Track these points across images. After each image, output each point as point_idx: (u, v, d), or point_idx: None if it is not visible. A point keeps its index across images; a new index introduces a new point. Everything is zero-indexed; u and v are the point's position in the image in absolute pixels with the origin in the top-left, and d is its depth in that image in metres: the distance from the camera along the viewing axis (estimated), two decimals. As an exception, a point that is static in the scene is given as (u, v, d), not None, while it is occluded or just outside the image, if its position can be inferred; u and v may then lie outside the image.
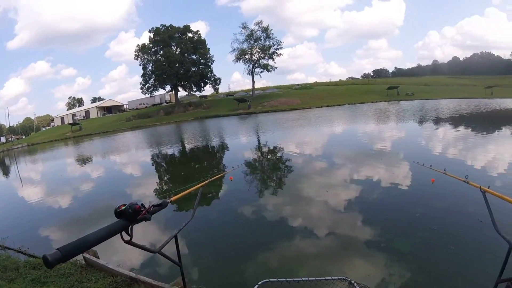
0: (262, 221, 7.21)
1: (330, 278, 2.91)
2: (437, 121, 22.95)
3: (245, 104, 53.56)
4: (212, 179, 3.33)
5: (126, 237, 1.46)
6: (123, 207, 1.42)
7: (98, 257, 4.86)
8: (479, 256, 4.95)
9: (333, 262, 5.30)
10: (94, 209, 8.89)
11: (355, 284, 2.88)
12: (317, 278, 2.89)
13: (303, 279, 2.88)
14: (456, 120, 22.82)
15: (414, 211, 6.89)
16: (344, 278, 2.94)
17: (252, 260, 5.47)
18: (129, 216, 1.42)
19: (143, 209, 1.47)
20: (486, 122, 21.88)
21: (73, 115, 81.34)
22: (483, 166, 9.85)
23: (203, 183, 3.02)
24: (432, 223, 6.19)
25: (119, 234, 1.43)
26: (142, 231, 6.19)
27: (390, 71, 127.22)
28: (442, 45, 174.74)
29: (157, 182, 12.22)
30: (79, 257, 4.83)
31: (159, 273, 5.04)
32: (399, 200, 7.78)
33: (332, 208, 7.54)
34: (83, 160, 20.94)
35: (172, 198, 2.18)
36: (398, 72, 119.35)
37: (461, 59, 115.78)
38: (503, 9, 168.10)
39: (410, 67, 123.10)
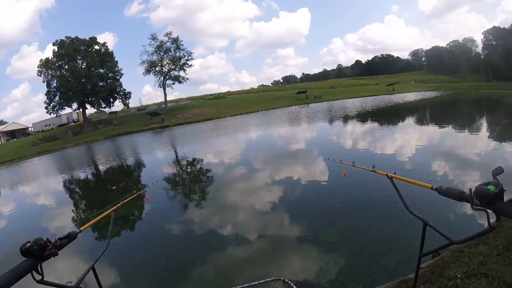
0: (189, 235, 7.27)
1: (264, 280, 3.00)
2: (346, 119, 25.46)
3: (158, 118, 53.02)
4: (125, 201, 3.23)
5: (38, 277, 1.37)
6: (28, 245, 1.34)
7: None
8: (400, 233, 5.57)
9: (268, 264, 5.49)
10: (5, 251, 7.98)
11: (289, 282, 2.98)
12: (251, 284, 2.99)
13: (238, 287, 2.91)
14: (364, 116, 25.50)
15: (334, 203, 7.59)
16: (278, 278, 3.05)
17: (180, 279, 5.41)
18: (36, 253, 1.34)
19: (49, 244, 1.40)
20: (391, 115, 24.92)
21: (-25, 143, 72.74)
22: (391, 154, 11.58)
23: (115, 207, 2.81)
24: (353, 210, 7.00)
25: (29, 275, 1.34)
26: (58, 268, 5.95)
27: (298, 77, 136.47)
28: (345, 50, 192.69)
29: (72, 211, 11.91)
30: None
31: None
32: (317, 195, 8.54)
33: (257, 212, 7.98)
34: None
35: (82, 228, 1.98)
36: (306, 78, 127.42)
37: (363, 62, 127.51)
38: (401, 16, 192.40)
39: (317, 72, 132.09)
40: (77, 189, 16.32)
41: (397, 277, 3.73)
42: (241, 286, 2.93)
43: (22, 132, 76.02)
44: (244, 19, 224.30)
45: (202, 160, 16.64)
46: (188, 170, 15.39)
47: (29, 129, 77.13)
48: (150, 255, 6.62)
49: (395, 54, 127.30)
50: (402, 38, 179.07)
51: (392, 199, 6.30)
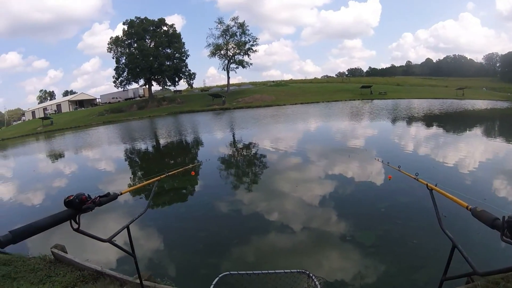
0: (225, 215, 7.31)
1: (289, 271, 2.98)
2: (410, 120, 23.69)
3: (219, 100, 53.35)
4: (170, 173, 3.36)
5: (75, 226, 1.53)
6: (71, 197, 1.51)
7: (66, 252, 4.92)
8: (439, 249, 4.95)
9: (298, 255, 5.40)
10: (56, 203, 8.76)
11: (313, 277, 2.95)
12: (276, 271, 2.96)
13: (263, 271, 2.94)
14: (429, 119, 23.62)
15: (380, 206, 7.15)
16: (303, 271, 3.01)
17: (212, 254, 5.52)
18: (76, 205, 1.50)
19: (89, 199, 1.57)
20: (457, 122, 22.81)
21: (44, 109, 78.23)
22: (443, 163, 10.41)
23: (159, 177, 3.02)
24: (397, 217, 6.52)
25: (68, 222, 1.51)
26: (98, 224, 6.43)
27: (364, 70, 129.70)
28: (416, 47, 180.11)
29: (130, 177, 12.09)
30: (48, 252, 4.90)
31: (126, 268, 5.00)
32: (364, 195, 8.04)
33: (301, 202, 7.71)
34: (55, 156, 20.37)
35: (123, 191, 2.19)
36: (372, 72, 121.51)
37: (434, 61, 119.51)
38: (477, 15, 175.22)
39: (384, 67, 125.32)
40: (136, 158, 16.57)
41: None
42: (266, 271, 2.92)
43: (90, 102, 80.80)
44: (312, 7, 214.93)
45: (257, 145, 16.19)
46: (243, 153, 15.06)
47: (97, 100, 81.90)
48: (189, 227, 6.84)
49: (468, 56, 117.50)
50: (476, 39, 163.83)
51: (441, 212, 5.47)
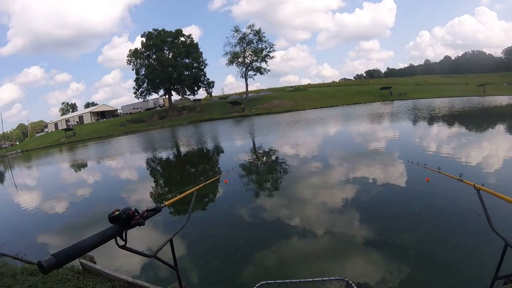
0: (258, 223, 7.18)
1: (327, 278, 2.88)
2: (432, 120, 23.12)
3: (239, 107, 53.65)
4: (207, 182, 3.32)
5: (121, 242, 1.47)
6: (117, 213, 1.43)
7: (95, 262, 4.82)
8: (477, 250, 4.97)
9: (334, 262, 5.27)
10: (90, 215, 8.80)
11: (353, 285, 2.84)
12: (314, 279, 2.86)
13: (300, 280, 2.84)
14: (452, 118, 23.02)
15: (413, 208, 6.94)
16: (342, 278, 2.90)
17: (249, 262, 5.44)
18: (123, 221, 1.43)
19: (136, 214, 1.48)
20: (482, 120, 22.05)
21: (67, 120, 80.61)
22: (478, 164, 9.94)
23: (198, 187, 3.00)
24: (433, 218, 6.27)
25: (113, 240, 1.43)
26: (138, 236, 6.19)
27: (383, 71, 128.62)
28: (433, 45, 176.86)
29: (152, 187, 12.13)
30: (76, 262, 4.77)
31: (157, 277, 5.03)
32: (396, 198, 7.81)
33: (330, 208, 7.53)
34: (79, 166, 20.72)
35: (167, 203, 2.17)
36: (391, 73, 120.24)
37: (453, 58, 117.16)
38: (493, 8, 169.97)
39: (402, 67, 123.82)
40: (159, 168, 16.60)
41: None
42: (304, 279, 2.82)
43: (111, 113, 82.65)
44: (327, 11, 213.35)
45: (278, 151, 15.97)
46: (264, 159, 14.86)
47: (118, 111, 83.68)
48: (218, 235, 6.78)
49: (487, 51, 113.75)
50: (494, 34, 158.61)
51: (475, 212, 5.74)
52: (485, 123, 19.55)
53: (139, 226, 1.49)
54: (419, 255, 5.14)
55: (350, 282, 2.85)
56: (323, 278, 2.87)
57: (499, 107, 30.20)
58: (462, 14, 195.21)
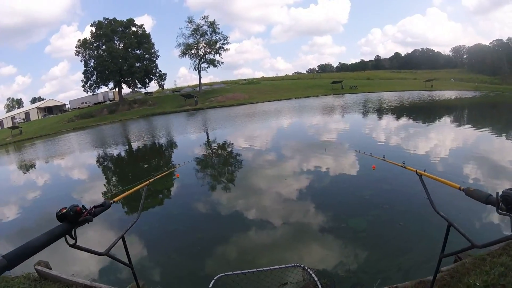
0: (215, 215, 7.39)
1: (284, 266, 3.09)
2: (381, 112, 24.53)
3: (192, 100, 53.02)
4: (157, 177, 3.31)
5: (71, 241, 1.44)
6: (64, 210, 1.41)
7: (50, 268, 4.74)
8: (424, 231, 5.48)
9: (292, 250, 5.52)
10: (40, 217, 8.67)
11: (309, 270, 3.05)
12: (271, 268, 3.04)
13: (258, 269, 3.01)
14: (399, 111, 24.53)
15: (364, 194, 7.54)
16: (298, 264, 3.12)
17: (209, 255, 5.57)
18: (71, 218, 1.40)
19: (84, 210, 1.46)
20: (427, 112, 23.85)
21: (13, 117, 75.03)
22: (422, 152, 11.06)
23: (148, 181, 2.92)
24: (383, 203, 6.88)
25: (63, 239, 1.41)
26: (89, 235, 6.20)
27: (335, 66, 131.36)
28: (384, 42, 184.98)
29: (104, 184, 12.09)
30: (31, 270, 4.67)
31: (116, 278, 5.07)
32: (348, 185, 8.44)
33: (285, 198, 7.92)
34: (27, 167, 19.63)
35: (115, 199, 2.08)
36: (342, 67, 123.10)
37: (403, 54, 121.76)
38: (444, 10, 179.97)
39: (354, 62, 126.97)
40: (110, 165, 16.44)
41: (415, 277, 3.70)
42: (261, 269, 2.99)
43: (59, 108, 78.29)
44: (282, 5, 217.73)
45: (232, 144, 16.41)
46: (218, 152, 15.25)
47: (66, 106, 79.41)
48: (173, 230, 6.89)
49: (435, 49, 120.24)
50: (443, 33, 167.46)
51: (422, 196, 6.02)
52: (432, 115, 21.17)
53: (88, 223, 1.47)
54: (371, 237, 5.63)
55: (306, 268, 3.09)
56: (280, 266, 3.09)
57: (446, 100, 32.52)
58: (414, 14, 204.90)
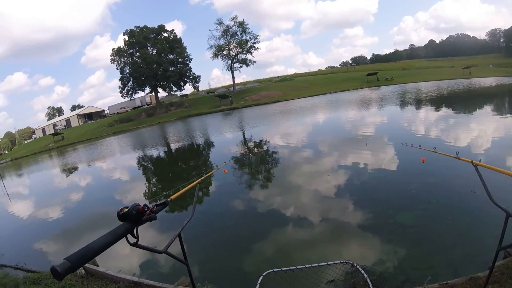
0: (260, 212, 7.28)
1: (332, 262, 3.00)
2: (420, 103, 23.38)
3: (227, 100, 53.47)
4: (208, 174, 3.35)
5: (132, 240, 1.42)
6: (126, 210, 1.36)
7: (97, 265, 4.79)
8: (474, 225, 5.20)
9: (339, 247, 5.38)
10: (88, 218, 8.81)
11: (357, 266, 2.98)
12: (319, 264, 2.99)
13: (306, 266, 2.94)
14: (440, 101, 23.25)
15: (410, 188, 7.10)
16: (347, 261, 3.03)
17: (255, 252, 5.52)
18: (133, 218, 1.37)
19: (146, 209, 1.42)
20: (470, 101, 22.35)
21: (54, 125, 79.36)
22: (470, 143, 10.22)
23: (199, 179, 2.95)
24: (430, 197, 6.44)
25: (124, 238, 1.37)
26: (143, 233, 6.18)
27: (368, 57, 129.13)
28: (417, 29, 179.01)
29: (145, 185, 12.14)
30: None
31: (162, 274, 5.05)
32: (393, 179, 8.02)
33: (330, 194, 7.66)
34: (71, 170, 20.40)
35: (173, 197, 2.11)
36: (376, 58, 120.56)
37: (437, 41, 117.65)
38: None
39: (388, 53, 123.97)
40: (152, 166, 16.54)
41: (465, 273, 3.51)
42: (310, 265, 2.95)
43: (98, 114, 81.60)
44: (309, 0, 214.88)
45: (270, 141, 16.11)
46: (258, 150, 14.92)
47: (105, 111, 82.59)
48: (221, 227, 6.92)
49: (471, 34, 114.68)
50: (477, 17, 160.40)
51: (470, 189, 5.99)
52: (473, 105, 19.83)
53: (150, 222, 1.44)
54: (419, 232, 5.29)
55: (355, 264, 3.01)
56: (328, 263, 3.02)
57: (487, 88, 30.59)
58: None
